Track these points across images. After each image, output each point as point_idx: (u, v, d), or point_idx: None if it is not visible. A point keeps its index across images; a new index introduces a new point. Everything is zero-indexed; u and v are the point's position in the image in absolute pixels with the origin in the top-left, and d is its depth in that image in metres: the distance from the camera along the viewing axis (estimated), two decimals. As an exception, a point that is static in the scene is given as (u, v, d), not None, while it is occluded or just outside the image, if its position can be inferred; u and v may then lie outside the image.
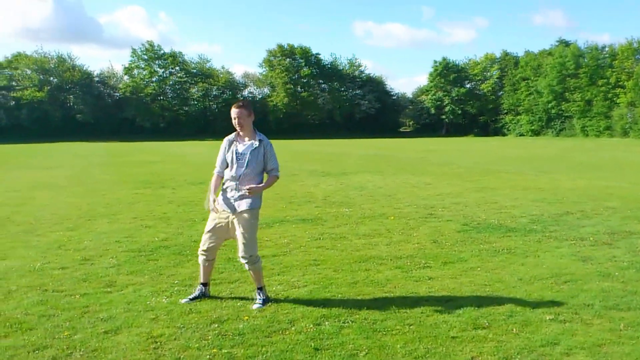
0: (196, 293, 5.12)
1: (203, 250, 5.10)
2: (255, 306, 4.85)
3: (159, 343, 4.06)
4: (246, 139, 5.03)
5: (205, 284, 5.18)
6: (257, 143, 4.99)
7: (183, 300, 5.01)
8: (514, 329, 4.27)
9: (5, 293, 5.28)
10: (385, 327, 4.32)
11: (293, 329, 4.33)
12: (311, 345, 3.99)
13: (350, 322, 4.45)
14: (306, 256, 6.68)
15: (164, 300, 5.05)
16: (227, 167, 5.06)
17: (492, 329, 4.27)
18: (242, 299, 5.09)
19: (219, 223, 5.02)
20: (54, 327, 4.38)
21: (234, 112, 4.95)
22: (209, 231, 5.07)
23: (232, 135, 5.08)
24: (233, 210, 4.94)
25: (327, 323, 4.44)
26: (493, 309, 4.71)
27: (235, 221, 4.94)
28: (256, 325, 4.39)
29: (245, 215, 4.92)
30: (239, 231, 4.93)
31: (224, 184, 5.07)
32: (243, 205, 4.92)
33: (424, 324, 4.41)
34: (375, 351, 3.89)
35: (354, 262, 6.39)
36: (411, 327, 4.34)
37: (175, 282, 5.64)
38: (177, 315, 4.65)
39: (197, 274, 5.86)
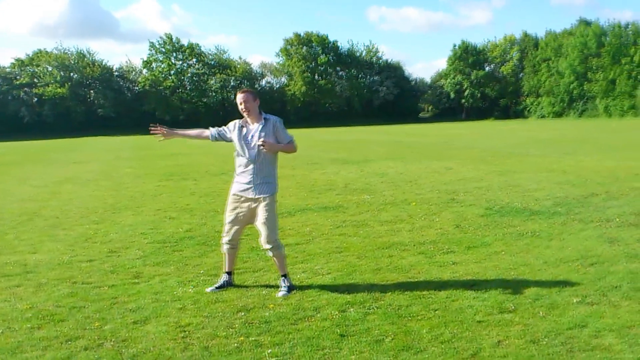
0: (221, 282, 5.19)
1: (228, 240, 5.15)
2: (280, 294, 4.89)
3: (187, 332, 4.12)
4: (253, 123, 5.03)
5: (229, 273, 5.24)
6: (263, 122, 5.00)
7: (209, 289, 5.07)
8: (541, 312, 4.24)
9: (36, 286, 5.40)
10: (411, 313, 4.33)
11: (318, 315, 4.36)
12: (337, 332, 4.01)
13: (375, 308, 4.46)
14: (329, 244, 6.70)
15: (190, 290, 5.12)
16: (226, 139, 5.16)
17: (518, 313, 4.25)
18: (267, 287, 5.13)
19: (241, 212, 5.06)
20: (84, 318, 4.48)
21: (239, 97, 4.97)
22: (231, 221, 5.11)
23: (240, 121, 5.10)
24: (251, 195, 4.96)
25: (352, 309, 4.46)
26: (519, 292, 4.69)
27: (256, 208, 4.97)
28: (282, 313, 4.43)
29: (267, 201, 4.95)
30: (261, 218, 4.95)
31: (237, 170, 5.09)
32: (265, 191, 4.95)
33: (449, 308, 4.40)
34: (401, 337, 3.90)
35: (377, 248, 6.40)
36: (436, 312, 4.34)
37: (201, 272, 5.71)
38: (204, 304, 4.71)
39: (222, 263, 5.93)
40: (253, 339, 3.96)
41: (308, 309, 4.51)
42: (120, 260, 6.31)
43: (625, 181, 10.76)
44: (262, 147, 4.90)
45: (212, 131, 5.22)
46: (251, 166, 4.97)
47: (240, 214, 5.07)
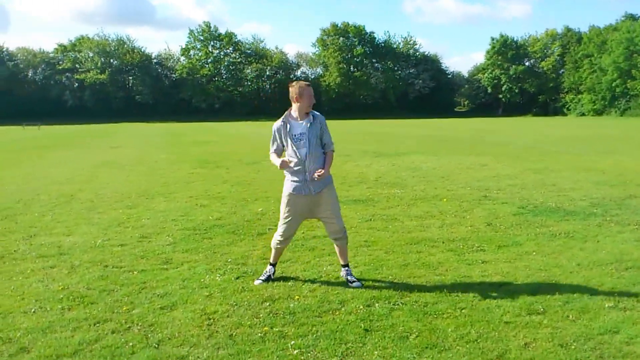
0: (268, 274, 5.10)
1: (284, 239, 5.03)
2: (356, 285, 4.88)
3: (212, 320, 4.16)
4: (299, 119, 4.88)
5: (275, 264, 5.19)
6: (311, 119, 4.87)
7: (257, 282, 4.99)
8: (571, 316, 4.14)
9: (70, 268, 5.54)
10: (437, 311, 4.28)
11: (343, 309, 4.35)
12: (361, 326, 4.00)
13: (401, 304, 4.43)
14: (357, 237, 6.67)
15: (217, 278, 5.17)
16: (282, 151, 4.99)
17: (547, 315, 4.16)
18: (293, 279, 5.14)
19: (299, 210, 4.94)
20: (114, 301, 4.57)
21: (310, 90, 4.87)
22: (289, 221, 4.96)
23: (281, 121, 4.92)
24: (311, 193, 4.88)
25: (377, 305, 4.43)
26: (549, 294, 4.58)
27: (317, 202, 4.91)
28: (307, 305, 4.43)
29: (328, 192, 4.94)
30: (328, 210, 4.94)
31: (290, 169, 4.90)
32: (321, 184, 4.91)
33: (477, 308, 4.34)
34: (426, 334, 3.86)
35: (405, 244, 6.34)
36: (463, 310, 4.28)
37: (229, 260, 5.76)
38: (231, 293, 4.75)
39: (250, 252, 6.03)
40: (277, 329, 3.97)
41: (333, 302, 4.50)
42: (151, 245, 6.41)
43: (667, 183, 10.40)
44: (318, 178, 4.82)
45: (276, 153, 4.99)
46: (301, 165, 4.84)
47: (299, 213, 4.96)
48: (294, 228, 5.05)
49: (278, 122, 4.95)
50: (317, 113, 4.96)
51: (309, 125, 4.84)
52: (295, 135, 4.84)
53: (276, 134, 4.94)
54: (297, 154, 4.82)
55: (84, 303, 4.52)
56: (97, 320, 4.15)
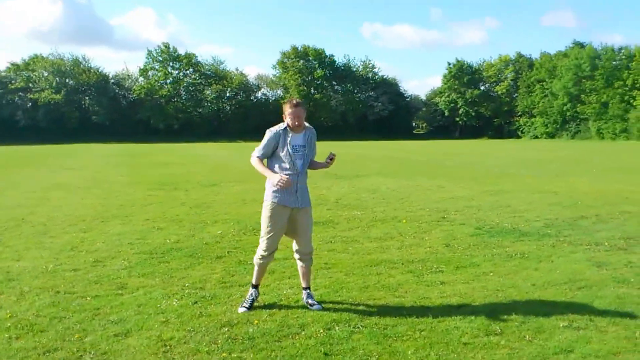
0: (252, 298, 4.97)
1: (269, 253, 4.94)
2: (316, 307, 4.85)
3: (168, 346, 4.05)
4: (295, 131, 4.83)
5: (257, 286, 5.08)
6: (309, 131, 4.91)
7: (241, 310, 4.82)
8: (527, 336, 4.20)
9: (18, 294, 5.32)
10: (396, 333, 4.28)
11: (303, 333, 4.30)
12: (321, 350, 3.96)
13: (361, 327, 4.41)
14: (317, 260, 6.63)
15: (174, 303, 5.05)
16: (270, 157, 4.88)
17: (504, 336, 4.22)
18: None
19: (283, 223, 4.90)
20: (65, 329, 4.40)
21: (296, 111, 4.75)
22: (275, 233, 4.90)
23: (280, 129, 4.81)
24: (298, 205, 4.86)
25: (337, 328, 4.41)
26: (506, 315, 4.65)
27: (298, 217, 4.91)
28: (266, 330, 4.37)
29: (308, 210, 4.97)
30: (303, 227, 4.94)
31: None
32: (306, 201, 4.95)
33: (436, 329, 4.36)
34: (386, 357, 3.85)
35: (365, 266, 6.35)
36: (422, 332, 4.30)
37: (186, 284, 5.64)
38: (188, 318, 4.64)
39: (208, 276, 5.91)
40: (236, 355, 3.90)
41: (293, 326, 4.45)
42: (106, 270, 6.23)
43: (616, 204, 10.79)
44: (330, 161, 4.94)
45: (259, 155, 4.85)
46: (296, 177, 4.81)
47: (282, 225, 4.91)
48: (277, 241, 4.98)
49: (277, 128, 4.83)
50: (310, 126, 4.98)
51: (307, 137, 4.89)
52: (295, 146, 4.82)
53: (273, 139, 4.81)
54: (294, 165, 4.81)
55: (33, 331, 4.34)
56: (46, 349, 3.98)
